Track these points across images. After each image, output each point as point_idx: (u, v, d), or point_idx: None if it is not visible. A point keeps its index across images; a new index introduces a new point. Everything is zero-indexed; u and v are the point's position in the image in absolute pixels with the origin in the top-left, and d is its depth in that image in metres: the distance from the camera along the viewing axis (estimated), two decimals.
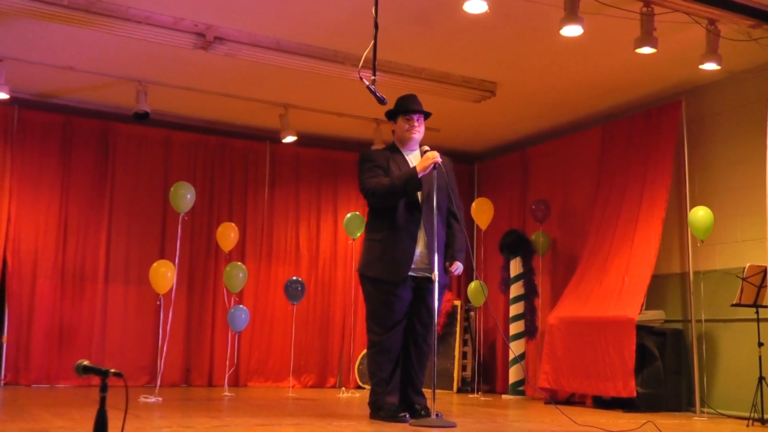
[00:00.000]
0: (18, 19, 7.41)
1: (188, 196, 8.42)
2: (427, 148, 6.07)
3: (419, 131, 6.21)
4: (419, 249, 5.97)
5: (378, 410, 5.96)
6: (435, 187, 5.82)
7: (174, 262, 8.44)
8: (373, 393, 6.06)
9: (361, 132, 10.86)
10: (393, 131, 6.33)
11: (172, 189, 8.52)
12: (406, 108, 6.20)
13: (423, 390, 6.18)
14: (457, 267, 6.11)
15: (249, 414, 6.55)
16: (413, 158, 6.18)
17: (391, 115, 6.31)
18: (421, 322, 6.07)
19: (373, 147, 10.09)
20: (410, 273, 5.96)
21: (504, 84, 9.12)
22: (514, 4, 6.86)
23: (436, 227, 5.87)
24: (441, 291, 5.91)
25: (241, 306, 9.17)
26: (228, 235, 9.42)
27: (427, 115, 6.27)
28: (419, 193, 5.98)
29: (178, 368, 10.24)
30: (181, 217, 8.41)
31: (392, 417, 5.81)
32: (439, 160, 5.86)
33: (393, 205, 5.97)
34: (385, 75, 8.22)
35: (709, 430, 6.35)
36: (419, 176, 5.83)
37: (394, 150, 6.26)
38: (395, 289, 5.92)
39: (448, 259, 6.08)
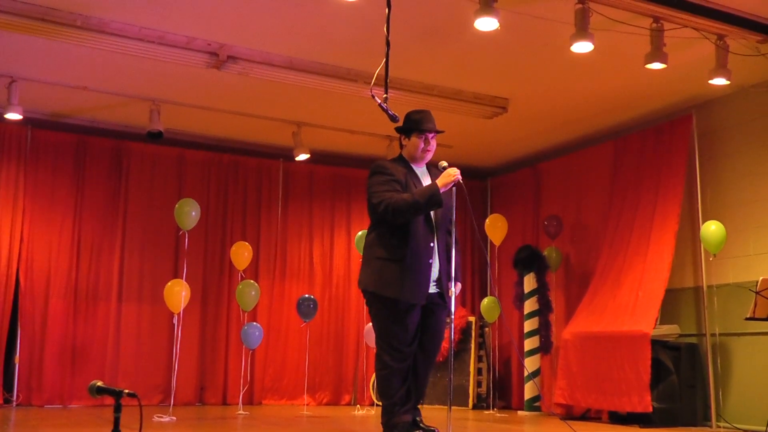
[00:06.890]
0: (31, 39, 7.47)
1: (193, 213, 8.42)
2: (445, 164, 5.76)
3: (433, 150, 6.08)
4: (433, 268, 5.86)
5: (391, 429, 5.90)
6: (454, 204, 5.65)
7: (186, 281, 8.44)
8: (385, 413, 5.90)
9: (373, 149, 10.88)
10: (403, 145, 6.04)
11: (176, 206, 8.53)
12: (422, 127, 5.92)
13: (434, 406, 6.13)
14: (459, 287, 6.01)
15: None
16: (423, 174, 6.09)
17: (404, 131, 6.01)
18: (433, 340, 6.02)
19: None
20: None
21: (516, 100, 9.13)
22: (525, 21, 6.89)
23: (445, 245, 5.87)
24: (446, 309, 5.88)
25: (254, 323, 9.14)
26: (242, 254, 9.45)
27: (439, 132, 6.14)
28: (433, 211, 5.85)
29: (192, 387, 10.24)
30: (184, 234, 8.48)
31: None
32: (460, 177, 5.63)
33: (407, 222, 5.75)
34: (397, 92, 8.25)
35: None
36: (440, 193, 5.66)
37: (407, 165, 6.00)
38: (411, 310, 5.78)
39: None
